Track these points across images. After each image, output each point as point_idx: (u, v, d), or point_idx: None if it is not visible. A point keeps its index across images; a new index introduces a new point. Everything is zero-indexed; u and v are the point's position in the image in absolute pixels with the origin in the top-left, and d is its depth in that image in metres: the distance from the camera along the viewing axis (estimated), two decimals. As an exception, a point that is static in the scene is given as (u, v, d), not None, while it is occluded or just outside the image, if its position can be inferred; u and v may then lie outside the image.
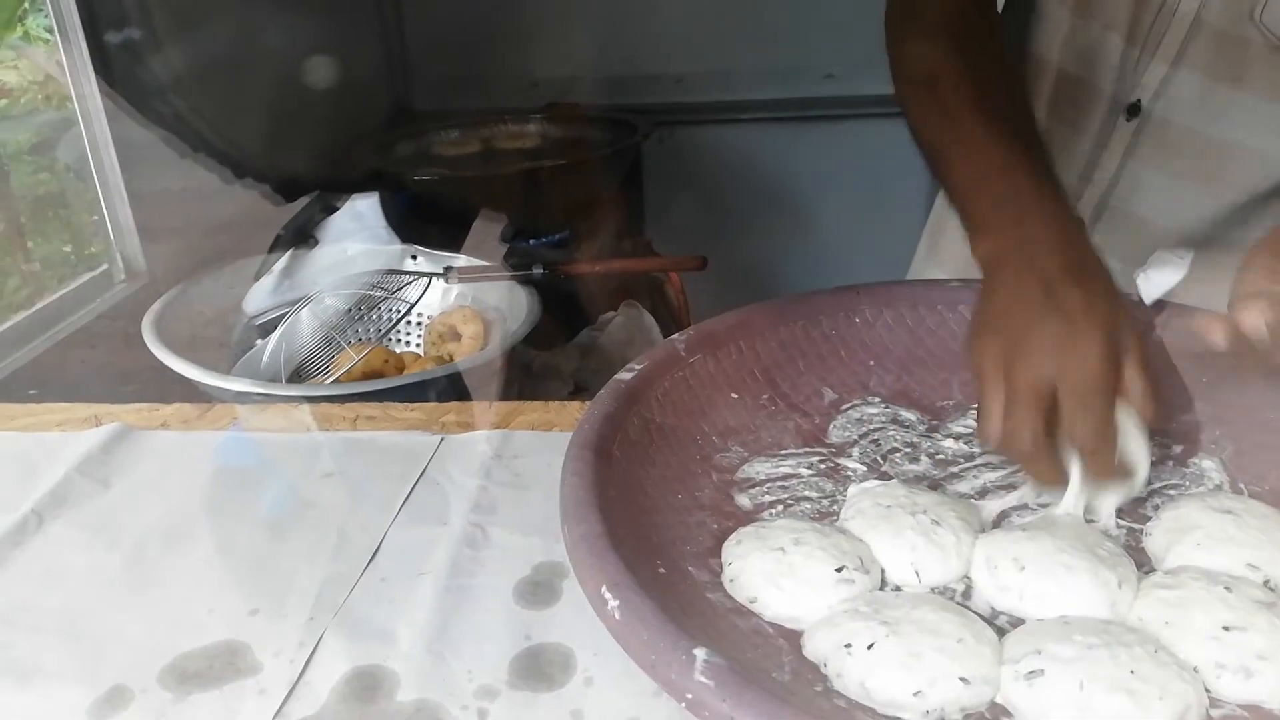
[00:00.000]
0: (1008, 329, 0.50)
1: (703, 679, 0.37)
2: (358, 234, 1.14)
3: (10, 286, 1.62)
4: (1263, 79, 0.62)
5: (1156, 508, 0.51)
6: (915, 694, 0.40)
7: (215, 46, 1.26)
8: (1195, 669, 0.41)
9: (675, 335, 0.62)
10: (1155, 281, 0.58)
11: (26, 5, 1.62)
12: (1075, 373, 0.47)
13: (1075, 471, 0.49)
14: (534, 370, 1.11)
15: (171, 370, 0.87)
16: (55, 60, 1.31)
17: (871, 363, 0.65)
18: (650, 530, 0.49)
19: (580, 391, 1.14)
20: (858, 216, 1.79)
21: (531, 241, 1.41)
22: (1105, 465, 0.48)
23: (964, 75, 0.62)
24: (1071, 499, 0.49)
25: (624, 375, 0.57)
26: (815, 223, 1.89)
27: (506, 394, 0.96)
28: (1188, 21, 0.64)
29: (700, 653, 0.37)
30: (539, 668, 0.47)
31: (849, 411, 0.61)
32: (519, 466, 0.63)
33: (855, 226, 1.79)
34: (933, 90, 0.62)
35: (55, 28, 1.15)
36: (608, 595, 0.41)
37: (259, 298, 1.07)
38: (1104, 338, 0.47)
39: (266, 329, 1.05)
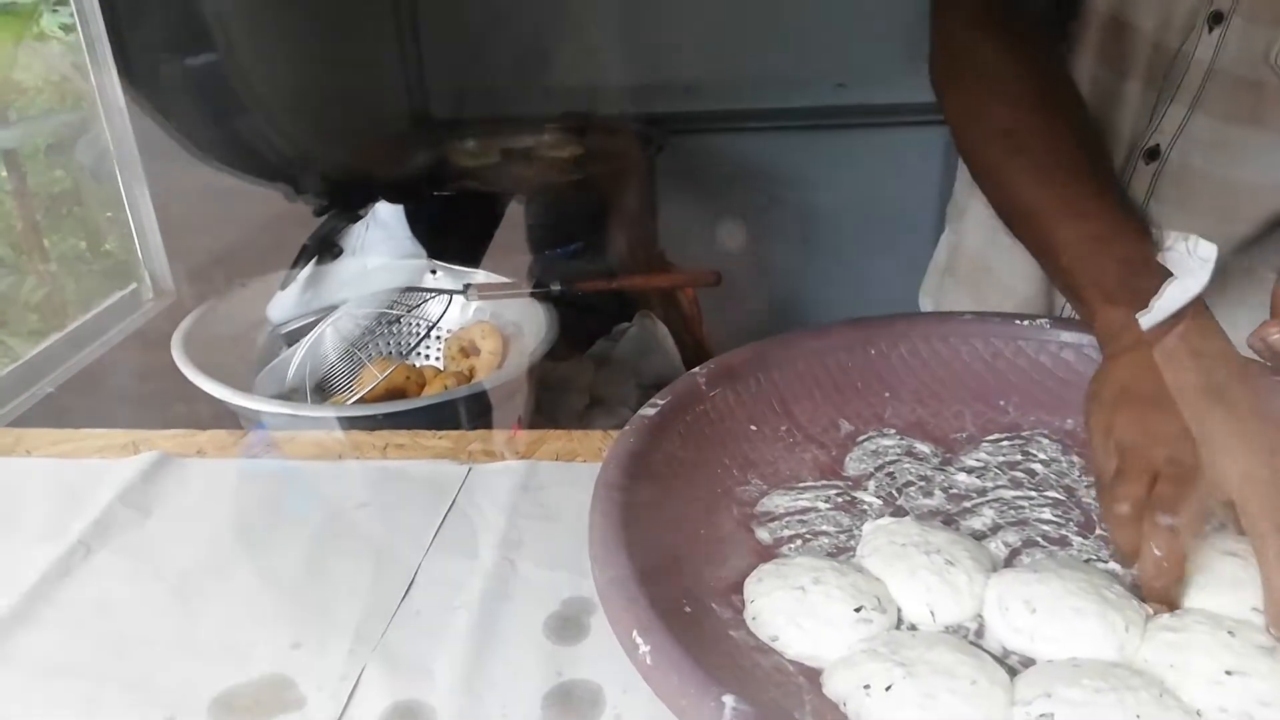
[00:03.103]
0: (1156, 405, 0.50)
1: (731, 726, 0.39)
2: (382, 244, 1.16)
3: (27, 286, 1.64)
4: (1277, 119, 0.64)
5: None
6: (931, 736, 0.42)
7: (231, 56, 1.28)
8: (1199, 713, 0.42)
9: (695, 369, 0.64)
10: (1170, 294, 0.53)
11: (43, 5, 1.63)
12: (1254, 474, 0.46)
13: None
14: (550, 383, 1.13)
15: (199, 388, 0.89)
16: (71, 61, 1.32)
17: (886, 394, 0.66)
18: (675, 567, 0.51)
19: (596, 404, 1.17)
20: (869, 224, 1.80)
21: (547, 253, 1.43)
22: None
23: (1037, 114, 0.62)
24: None
25: (647, 411, 0.59)
26: (827, 231, 1.90)
27: (524, 408, 0.98)
28: (1204, 67, 0.66)
29: (729, 700, 0.39)
30: (570, 704, 0.49)
31: (865, 443, 0.63)
32: (544, 499, 0.65)
33: (867, 234, 1.80)
34: (1011, 138, 0.62)
35: (82, 39, 1.16)
36: (639, 640, 0.43)
37: (284, 306, 1.09)
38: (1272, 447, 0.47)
39: (291, 338, 1.07)
